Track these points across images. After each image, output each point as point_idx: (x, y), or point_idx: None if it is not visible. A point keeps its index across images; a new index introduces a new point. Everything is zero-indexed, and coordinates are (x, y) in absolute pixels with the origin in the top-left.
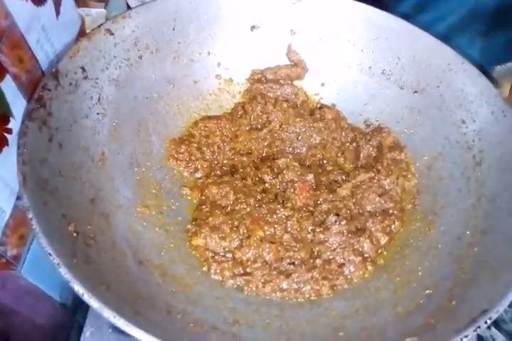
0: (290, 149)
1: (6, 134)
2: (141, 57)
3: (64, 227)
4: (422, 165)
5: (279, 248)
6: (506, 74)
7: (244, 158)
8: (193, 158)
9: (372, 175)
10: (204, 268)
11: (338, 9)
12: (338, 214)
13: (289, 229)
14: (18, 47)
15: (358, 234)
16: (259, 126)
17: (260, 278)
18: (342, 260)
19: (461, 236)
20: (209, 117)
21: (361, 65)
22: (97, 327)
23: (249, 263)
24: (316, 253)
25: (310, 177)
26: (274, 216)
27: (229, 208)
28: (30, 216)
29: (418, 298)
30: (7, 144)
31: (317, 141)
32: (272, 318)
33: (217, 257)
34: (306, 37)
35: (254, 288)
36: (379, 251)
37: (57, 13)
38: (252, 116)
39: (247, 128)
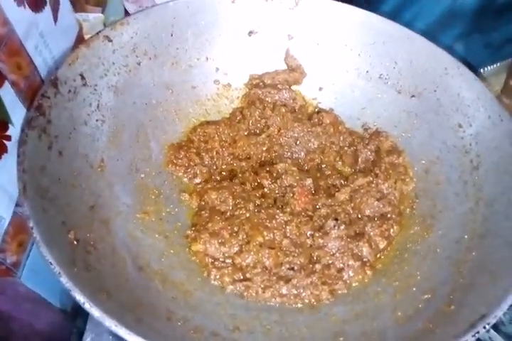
0: (289, 154)
1: (4, 141)
2: (139, 64)
3: (64, 235)
4: (419, 169)
5: (279, 253)
6: (489, 78)
7: (243, 163)
8: (191, 163)
9: (371, 179)
10: (204, 274)
11: (335, 14)
12: (336, 219)
13: (288, 234)
14: (17, 54)
15: (357, 239)
16: (257, 131)
17: (260, 283)
18: (341, 265)
19: (459, 240)
20: (208, 122)
21: (358, 70)
22: (97, 333)
23: (248, 268)
24: (315, 258)
25: (309, 181)
26: (274, 221)
27: (228, 213)
28: (30, 225)
29: (417, 303)
30: (6, 151)
31: (315, 146)
32: (272, 324)
33: (216, 263)
34: (304, 42)
35: (254, 294)
36: (378, 255)
37: (55, 18)
38: (251, 121)
39: (246, 133)
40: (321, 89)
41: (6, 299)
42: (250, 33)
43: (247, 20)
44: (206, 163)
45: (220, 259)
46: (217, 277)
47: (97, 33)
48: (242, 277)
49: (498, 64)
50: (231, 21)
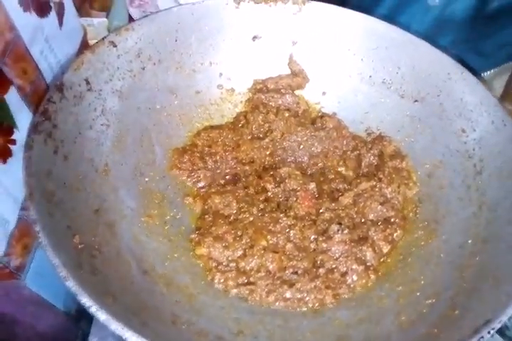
0: (292, 158)
1: (10, 145)
2: (144, 69)
3: (69, 239)
4: (423, 173)
5: (282, 257)
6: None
7: (247, 167)
8: (195, 167)
9: (374, 183)
10: (208, 278)
11: (338, 19)
12: (340, 223)
13: (292, 239)
14: (23, 59)
15: (361, 243)
16: (261, 136)
17: (264, 287)
18: (345, 269)
19: (462, 245)
20: (211, 127)
21: (361, 74)
22: (101, 336)
23: (252, 272)
24: (318, 263)
25: (312, 186)
26: (277, 225)
27: (232, 217)
28: (37, 228)
29: (421, 308)
30: (11, 155)
31: (319, 150)
32: (275, 328)
33: (220, 267)
34: (307, 47)
35: (257, 298)
36: (381, 259)
37: (60, 23)
38: (254, 126)
39: (249, 138)
40: (324, 93)
41: (10, 302)
42: (254, 38)
43: (250, 26)
44: (210, 167)
45: (224, 263)
46: (221, 281)
47: (102, 39)
48: (245, 281)
49: (492, 70)
50: (235, 26)
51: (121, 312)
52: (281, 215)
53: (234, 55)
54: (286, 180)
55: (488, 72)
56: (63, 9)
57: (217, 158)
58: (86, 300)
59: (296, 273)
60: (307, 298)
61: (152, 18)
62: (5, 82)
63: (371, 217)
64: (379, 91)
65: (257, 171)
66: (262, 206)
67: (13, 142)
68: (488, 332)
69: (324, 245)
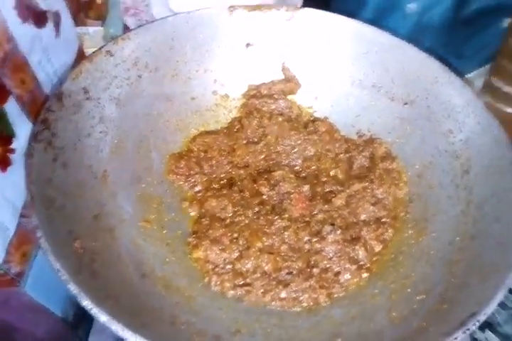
0: (286, 161)
1: (9, 154)
2: (140, 76)
3: (70, 244)
4: (413, 174)
5: (277, 258)
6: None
7: (242, 171)
8: (192, 172)
9: (366, 184)
10: (205, 280)
11: (329, 25)
12: (333, 224)
13: (287, 240)
14: (21, 69)
15: (353, 243)
16: (255, 140)
17: (260, 288)
18: (338, 268)
19: (451, 242)
20: (207, 132)
21: (352, 79)
22: None
23: (248, 273)
24: (312, 263)
25: (306, 188)
26: (272, 227)
27: (228, 220)
28: (38, 234)
29: (412, 303)
30: (10, 164)
31: (312, 153)
32: (271, 327)
33: (217, 269)
34: (299, 52)
35: (254, 298)
36: (374, 258)
37: (57, 33)
38: (249, 131)
39: (244, 142)
40: (316, 98)
41: (10, 309)
42: (247, 45)
43: (244, 33)
44: (206, 171)
45: (221, 265)
46: (218, 283)
47: (100, 48)
48: (242, 282)
49: (472, 73)
50: (229, 34)
51: (121, 313)
52: (276, 217)
53: (228, 61)
54: (281, 183)
55: (469, 75)
56: (60, 19)
57: (213, 162)
58: (87, 303)
59: (291, 273)
60: (302, 298)
61: (148, 27)
62: (4, 92)
63: (363, 217)
64: (369, 94)
65: (251, 175)
66: (257, 209)
67: (13, 151)
68: (474, 325)
69: (318, 245)
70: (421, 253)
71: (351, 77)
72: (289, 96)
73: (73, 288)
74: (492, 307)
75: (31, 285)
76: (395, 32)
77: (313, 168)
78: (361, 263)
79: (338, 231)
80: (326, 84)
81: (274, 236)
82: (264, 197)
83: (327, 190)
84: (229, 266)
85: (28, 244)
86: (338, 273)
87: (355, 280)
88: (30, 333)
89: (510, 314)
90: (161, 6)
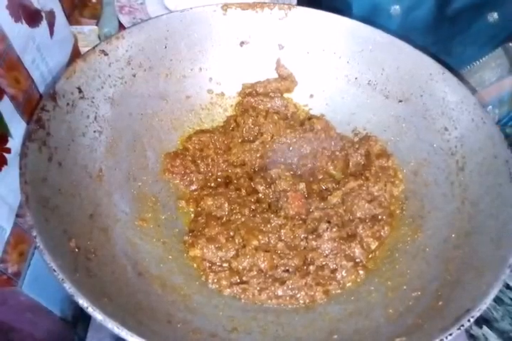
0: (282, 159)
1: (4, 154)
2: (134, 75)
3: (65, 243)
4: (408, 171)
5: (274, 256)
6: None
7: (238, 170)
8: (187, 171)
9: (361, 182)
10: (202, 278)
11: (323, 23)
12: (329, 222)
13: (283, 238)
14: (15, 68)
15: (349, 240)
16: (251, 138)
17: (256, 286)
18: (334, 265)
19: (447, 239)
20: (202, 131)
21: (348, 77)
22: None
23: (245, 271)
24: (309, 260)
25: (301, 186)
26: (268, 225)
27: (224, 219)
28: (34, 234)
29: (407, 300)
30: (6, 163)
31: (308, 151)
32: (268, 324)
33: (214, 267)
34: (294, 51)
35: (250, 296)
36: (370, 255)
37: (51, 32)
38: (244, 129)
39: (240, 141)
40: (312, 96)
41: (8, 309)
42: (242, 43)
43: (238, 31)
44: (202, 170)
45: (217, 263)
46: (215, 281)
47: (93, 48)
48: (238, 280)
49: (466, 69)
50: (223, 32)
51: (117, 312)
52: (272, 215)
53: (223, 60)
54: (277, 181)
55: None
56: (54, 18)
57: (209, 161)
58: (83, 302)
59: (287, 271)
60: (298, 295)
61: (142, 26)
62: None
63: (359, 214)
64: (365, 92)
65: (248, 173)
66: (253, 207)
67: (8, 150)
68: (468, 321)
69: (314, 243)
70: (416, 250)
71: (346, 75)
72: (285, 95)
73: (69, 287)
74: (487, 303)
75: (28, 285)
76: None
77: (309, 165)
78: (357, 260)
79: (334, 229)
80: (321, 82)
81: (270, 234)
82: (260, 195)
83: (323, 187)
84: (225, 264)
85: (24, 244)
86: (334, 271)
87: (351, 277)
88: (29, 333)
89: (507, 310)
90: (156, 4)
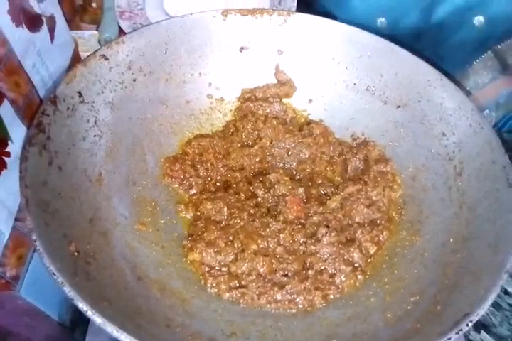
0: (281, 164)
1: (4, 158)
2: (135, 80)
3: (65, 247)
4: (406, 176)
5: (273, 260)
6: None
7: (237, 174)
8: (187, 175)
9: (360, 187)
10: (201, 283)
11: (322, 29)
12: (328, 226)
13: (282, 242)
14: (16, 72)
15: (348, 245)
16: (250, 143)
17: (255, 290)
18: (333, 270)
19: (445, 244)
20: (202, 135)
21: (346, 82)
22: None
23: (244, 276)
24: (308, 265)
25: (300, 190)
26: (267, 229)
27: (223, 223)
28: (34, 237)
29: (406, 305)
30: (5, 167)
31: (306, 156)
32: (267, 329)
33: (213, 271)
34: (293, 56)
35: (249, 300)
36: (368, 260)
37: (52, 37)
38: (244, 134)
39: (239, 145)
40: (310, 101)
41: (5, 314)
42: (241, 48)
43: (238, 37)
44: (201, 174)
45: (216, 268)
46: (214, 285)
47: (94, 52)
48: (237, 284)
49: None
50: (223, 38)
51: (116, 316)
52: (271, 220)
53: (222, 65)
54: (276, 186)
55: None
56: (55, 23)
57: (208, 165)
58: (82, 305)
59: (286, 275)
60: (297, 299)
61: (142, 31)
62: None
63: (358, 219)
64: (363, 98)
65: (247, 178)
66: (252, 211)
67: (8, 154)
68: (467, 325)
69: (313, 247)
70: (415, 254)
71: (345, 80)
72: (284, 100)
73: (68, 291)
74: (485, 307)
75: (27, 289)
76: None
77: (308, 170)
78: (356, 265)
79: (333, 233)
80: (320, 87)
81: (269, 239)
82: (259, 199)
83: (322, 192)
84: (224, 269)
85: (23, 247)
86: (333, 275)
87: (350, 281)
88: (26, 337)
89: (505, 315)
90: (156, 9)
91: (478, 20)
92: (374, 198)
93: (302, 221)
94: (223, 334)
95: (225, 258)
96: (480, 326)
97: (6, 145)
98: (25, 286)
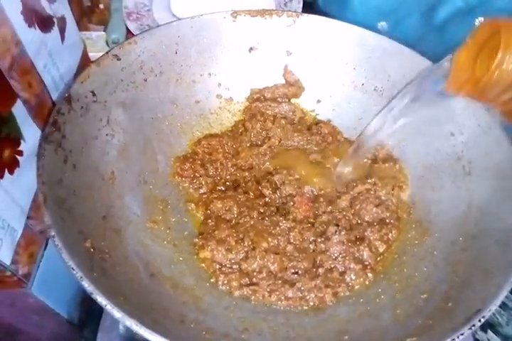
0: None
1: (17, 156)
2: (146, 80)
3: (81, 243)
4: (415, 175)
5: (283, 258)
6: None
7: (246, 173)
8: (197, 174)
9: (369, 186)
10: (212, 280)
11: (331, 30)
12: (337, 225)
13: (292, 241)
14: (28, 73)
15: (358, 243)
16: (259, 143)
17: (266, 287)
18: (343, 268)
19: (454, 242)
20: (211, 135)
21: (354, 83)
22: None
23: (255, 273)
24: (318, 263)
25: (307, 189)
26: (277, 228)
27: (233, 221)
28: (52, 233)
29: (416, 302)
30: (18, 166)
31: None
32: (278, 325)
33: (224, 269)
34: (302, 57)
35: (260, 298)
36: (378, 258)
37: (62, 38)
38: (252, 133)
39: (248, 145)
40: (319, 101)
41: (15, 311)
42: (251, 49)
43: (247, 38)
44: (211, 173)
45: (227, 265)
46: (225, 282)
47: (107, 52)
48: (248, 282)
49: None
50: (232, 39)
51: (133, 310)
52: (281, 218)
53: (232, 65)
54: (281, 186)
55: None
56: (65, 24)
57: (218, 165)
58: (101, 299)
59: (296, 273)
60: (308, 297)
61: (153, 32)
62: (12, 95)
63: (367, 218)
64: (371, 98)
65: (255, 177)
66: (261, 210)
67: (21, 153)
68: (479, 321)
69: (323, 246)
70: (424, 253)
71: (353, 81)
72: (292, 100)
73: (88, 285)
74: (497, 304)
75: (38, 287)
76: None
77: None
78: (366, 263)
79: (343, 232)
80: (328, 88)
81: (279, 237)
82: (267, 199)
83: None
84: (235, 266)
85: (35, 245)
86: (343, 273)
87: (360, 279)
88: (35, 335)
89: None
90: (163, 10)
91: (480, 21)
92: (383, 197)
93: (311, 220)
94: (236, 329)
95: (235, 256)
96: (487, 325)
97: (19, 144)
98: (37, 284)
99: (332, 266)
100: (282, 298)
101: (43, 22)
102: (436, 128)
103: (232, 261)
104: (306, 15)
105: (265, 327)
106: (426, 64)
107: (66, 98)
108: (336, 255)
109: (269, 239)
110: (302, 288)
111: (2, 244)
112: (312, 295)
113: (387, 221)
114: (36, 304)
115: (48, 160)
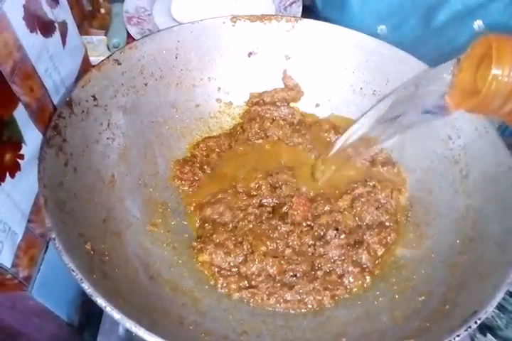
0: None
1: (18, 160)
2: (146, 84)
3: (81, 245)
4: (413, 179)
5: (282, 262)
6: None
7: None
8: (196, 177)
9: (370, 189)
10: (211, 282)
11: (329, 35)
12: (337, 229)
13: (291, 244)
14: (30, 77)
15: (356, 247)
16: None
17: (265, 290)
18: (342, 271)
19: (452, 245)
20: (209, 137)
21: (353, 87)
22: None
23: (253, 276)
24: (316, 266)
25: (304, 188)
26: (276, 232)
27: (231, 225)
28: (52, 236)
29: (414, 304)
30: (19, 169)
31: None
32: (277, 328)
33: (223, 272)
34: (301, 61)
35: (259, 300)
36: (376, 261)
37: (64, 43)
38: (250, 133)
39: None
40: (318, 105)
41: (16, 314)
42: (250, 54)
43: (246, 42)
44: None
45: (226, 268)
46: (224, 285)
47: (108, 57)
48: (247, 285)
49: None
50: (232, 43)
51: (132, 312)
52: (280, 222)
53: (231, 70)
54: (283, 187)
55: None
56: (66, 29)
57: (213, 165)
58: (101, 301)
59: (295, 276)
60: (306, 300)
61: (154, 36)
62: (14, 99)
63: (367, 220)
64: (370, 102)
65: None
66: (257, 212)
67: (22, 157)
68: (475, 322)
69: (322, 249)
70: (422, 256)
71: (352, 85)
72: (291, 104)
73: (87, 287)
74: (493, 305)
75: (38, 290)
76: None
77: None
78: (364, 266)
79: (342, 236)
80: (327, 92)
81: (278, 241)
82: (263, 201)
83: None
84: (234, 269)
85: (35, 248)
86: (341, 276)
87: (358, 282)
88: (35, 338)
89: (511, 318)
90: (163, 15)
91: (478, 24)
92: (382, 200)
93: (309, 223)
94: (235, 332)
95: (234, 259)
96: (486, 329)
97: (20, 147)
98: (37, 287)
99: (330, 269)
100: (281, 300)
101: (45, 27)
102: (434, 132)
103: (231, 265)
104: (304, 20)
105: (264, 329)
106: (423, 68)
107: (67, 102)
108: (334, 258)
109: (268, 243)
110: (301, 291)
111: (3, 247)
112: (311, 297)
113: (386, 224)
114: (36, 307)
115: (49, 163)
